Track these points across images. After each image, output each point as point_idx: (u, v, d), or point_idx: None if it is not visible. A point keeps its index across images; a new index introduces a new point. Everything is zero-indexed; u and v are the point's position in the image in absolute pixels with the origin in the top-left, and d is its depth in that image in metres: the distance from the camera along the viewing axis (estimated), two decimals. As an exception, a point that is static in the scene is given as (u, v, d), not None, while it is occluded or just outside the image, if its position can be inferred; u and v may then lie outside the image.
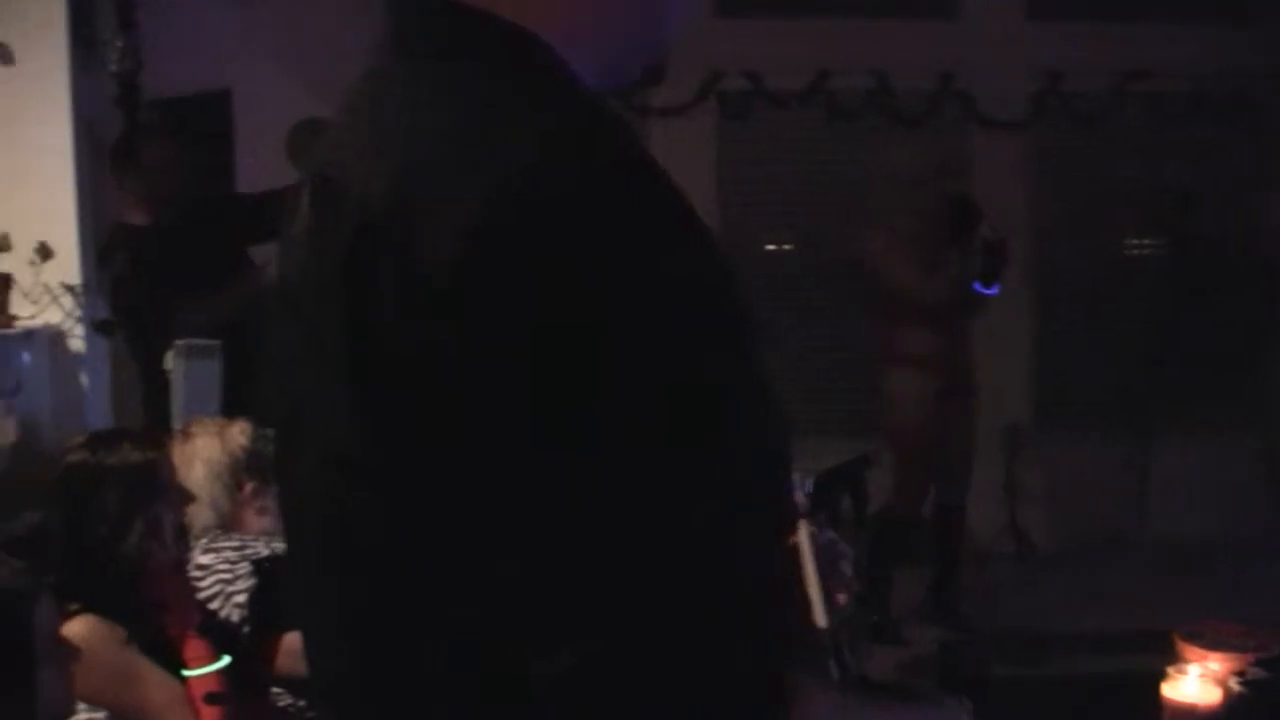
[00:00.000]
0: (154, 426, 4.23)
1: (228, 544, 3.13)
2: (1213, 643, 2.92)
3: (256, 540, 3.15)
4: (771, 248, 8.16)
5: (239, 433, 3.32)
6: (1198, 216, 7.23)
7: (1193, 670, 2.63)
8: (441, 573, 0.96)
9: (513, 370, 0.92)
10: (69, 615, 2.62)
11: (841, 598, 2.66)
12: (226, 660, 2.82)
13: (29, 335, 4.59)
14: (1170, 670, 2.64)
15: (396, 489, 0.97)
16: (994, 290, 5.65)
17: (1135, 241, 8.14)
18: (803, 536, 2.79)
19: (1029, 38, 8.02)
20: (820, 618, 2.54)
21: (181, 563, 2.93)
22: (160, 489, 2.81)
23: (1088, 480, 7.12)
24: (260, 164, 6.20)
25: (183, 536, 2.94)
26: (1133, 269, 7.98)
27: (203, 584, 3.04)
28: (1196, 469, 7.00)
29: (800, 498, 2.98)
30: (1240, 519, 6.55)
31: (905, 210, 5.71)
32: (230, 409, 3.92)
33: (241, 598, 3.03)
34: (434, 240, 0.93)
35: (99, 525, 2.71)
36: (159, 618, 2.81)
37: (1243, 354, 7.61)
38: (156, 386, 4.44)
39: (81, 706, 2.59)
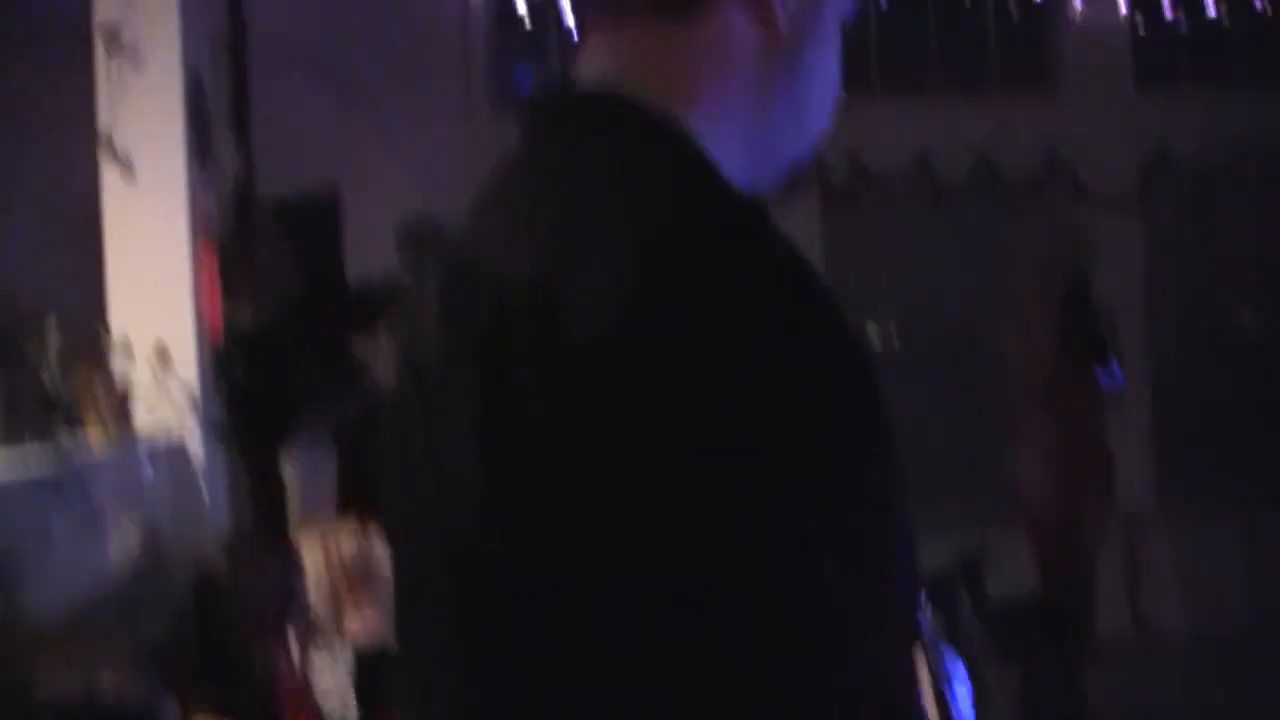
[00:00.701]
0: (269, 531, 4.27)
1: (342, 649, 3.15)
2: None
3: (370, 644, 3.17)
4: (877, 335, 8.13)
5: (344, 538, 3.35)
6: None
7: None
8: (566, 659, 0.94)
9: (652, 449, 0.89)
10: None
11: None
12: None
13: (148, 441, 4.68)
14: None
15: (523, 568, 0.95)
16: (1115, 375, 5.55)
17: (1254, 312, 8.00)
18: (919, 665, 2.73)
19: (1135, 107, 7.94)
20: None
21: (303, 670, 2.96)
22: (291, 599, 2.84)
23: (1215, 565, 6.95)
24: (370, 263, 6.30)
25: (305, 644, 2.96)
26: (1252, 341, 7.83)
27: (320, 688, 3.06)
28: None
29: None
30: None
31: (1029, 289, 5.65)
32: (345, 510, 3.95)
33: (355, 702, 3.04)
34: (575, 317, 0.92)
35: (229, 632, 2.75)
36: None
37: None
38: (271, 490, 4.50)
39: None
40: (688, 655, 0.89)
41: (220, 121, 5.38)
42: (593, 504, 0.91)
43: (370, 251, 6.25)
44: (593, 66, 1.09)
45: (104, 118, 5.00)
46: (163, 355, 4.77)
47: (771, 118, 1.11)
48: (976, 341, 6.09)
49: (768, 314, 0.92)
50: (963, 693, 2.58)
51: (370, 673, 3.07)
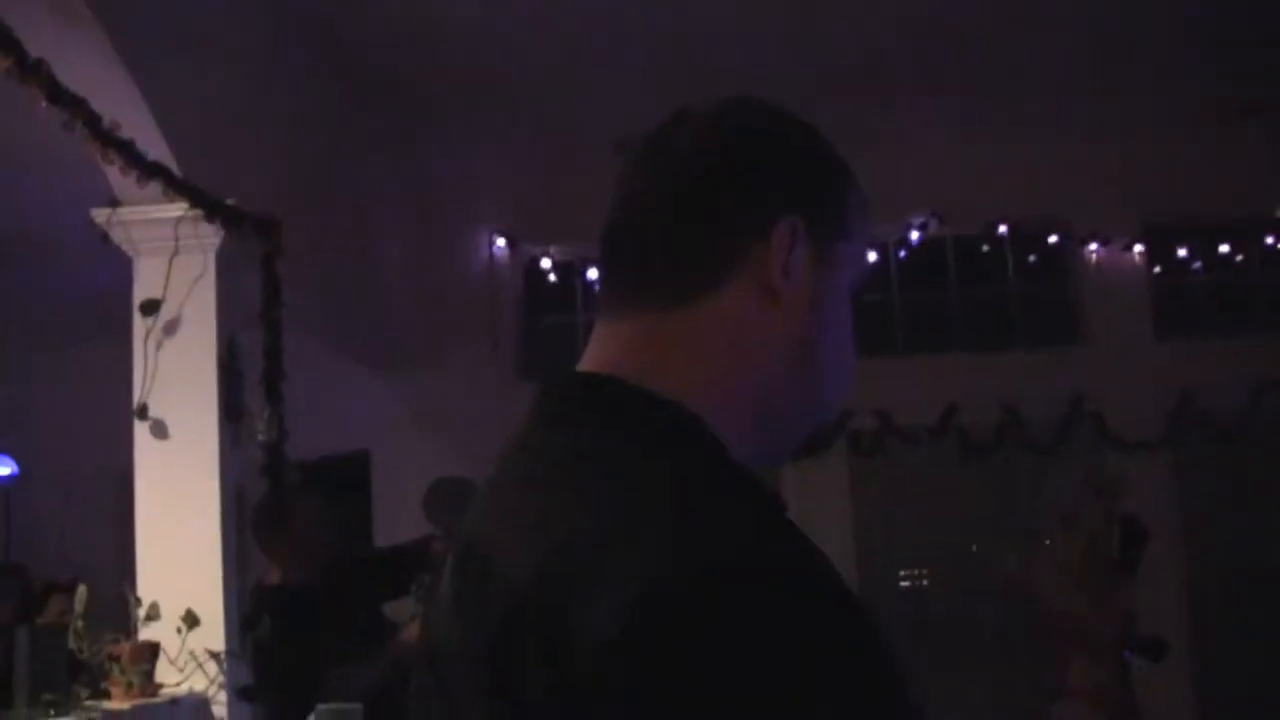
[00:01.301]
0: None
1: None
2: None
3: None
4: (906, 583, 8.05)
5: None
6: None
7: None
8: None
9: None
10: None
11: None
12: None
13: (174, 704, 4.62)
14: None
15: None
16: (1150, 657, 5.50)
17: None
18: None
19: (1158, 358, 8.02)
20: None
21: None
22: None
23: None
24: (397, 519, 6.32)
25: None
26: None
27: None
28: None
29: None
30: None
31: (1067, 536, 5.60)
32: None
33: None
34: (582, 626, 0.91)
35: None
36: None
37: None
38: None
39: None
40: None
41: (254, 390, 5.49)
42: None
43: (396, 507, 6.32)
44: (606, 352, 1.12)
45: (140, 384, 5.10)
46: (189, 618, 4.76)
47: (784, 393, 1.12)
48: (1002, 584, 5.99)
49: (778, 618, 0.90)
50: None
51: None
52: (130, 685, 4.48)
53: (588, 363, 1.12)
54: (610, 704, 0.90)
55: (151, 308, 5.13)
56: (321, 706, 4.33)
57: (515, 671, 0.95)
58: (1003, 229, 8.53)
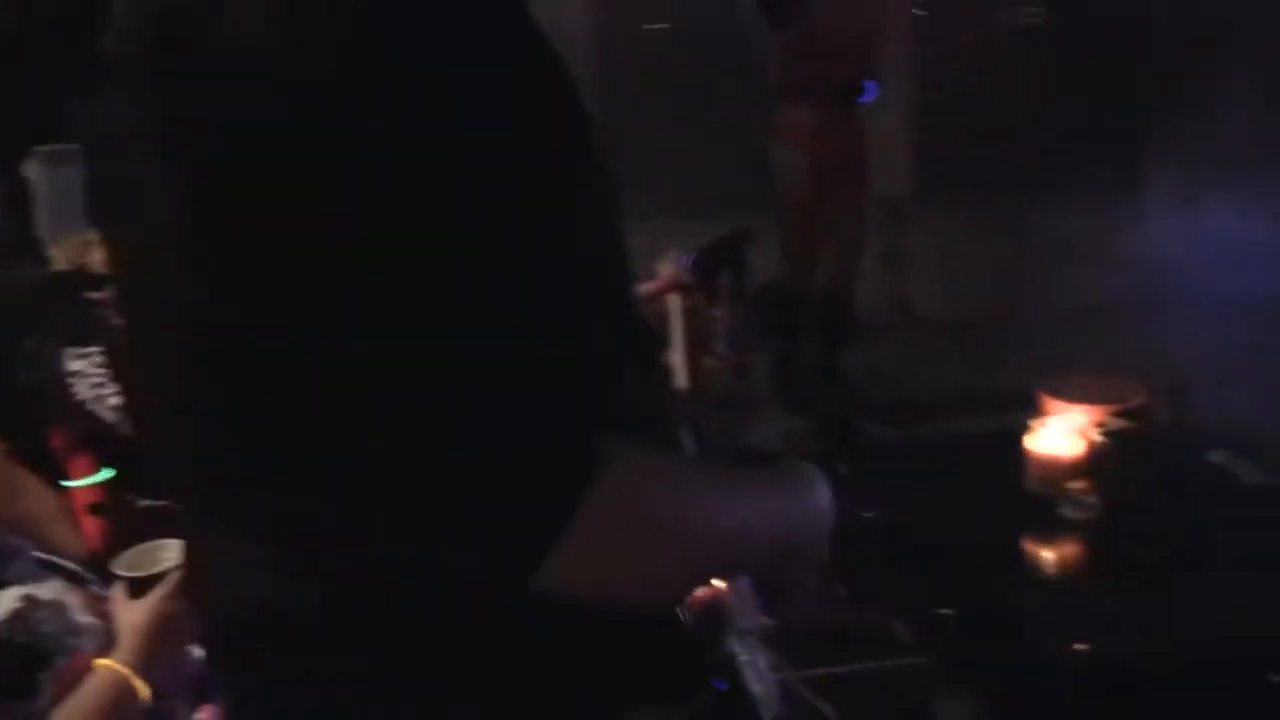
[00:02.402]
0: (18, 240, 4.13)
1: (95, 350, 3.07)
2: (1075, 396, 3.02)
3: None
4: (650, 28, 8.02)
5: (97, 246, 3.23)
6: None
7: (1055, 423, 2.70)
8: (263, 364, 0.95)
9: (336, 134, 0.89)
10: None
11: (710, 364, 2.79)
12: (109, 472, 2.79)
13: None
14: (1032, 424, 2.70)
15: (227, 277, 0.95)
16: (867, 93, 5.61)
17: (1020, 9, 8.10)
18: (673, 306, 2.94)
19: None
20: (682, 383, 2.68)
21: (63, 376, 2.89)
22: (50, 307, 2.76)
23: (972, 250, 7.18)
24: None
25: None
26: (1016, 37, 7.94)
27: (75, 391, 2.99)
28: (1081, 236, 7.06)
29: (678, 271, 3.10)
30: (1118, 282, 6.56)
31: None
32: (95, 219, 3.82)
33: (115, 400, 2.99)
34: (236, 14, 0.90)
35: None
36: (41, 430, 2.78)
37: (1122, 122, 7.67)
38: (18, 197, 4.33)
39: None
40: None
41: None
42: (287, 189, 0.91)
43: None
44: None
45: None
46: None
47: None
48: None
49: None
50: (718, 337, 2.73)
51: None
52: None
53: None
54: (269, 88, 0.90)
55: None
56: (41, 149, 4.23)
57: (177, 77, 0.95)
58: None
